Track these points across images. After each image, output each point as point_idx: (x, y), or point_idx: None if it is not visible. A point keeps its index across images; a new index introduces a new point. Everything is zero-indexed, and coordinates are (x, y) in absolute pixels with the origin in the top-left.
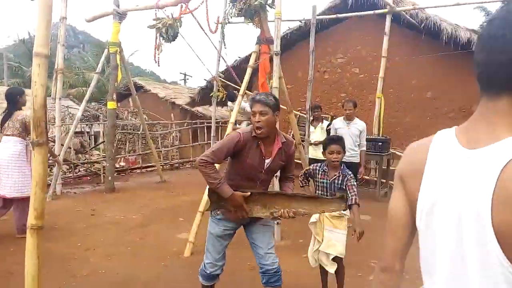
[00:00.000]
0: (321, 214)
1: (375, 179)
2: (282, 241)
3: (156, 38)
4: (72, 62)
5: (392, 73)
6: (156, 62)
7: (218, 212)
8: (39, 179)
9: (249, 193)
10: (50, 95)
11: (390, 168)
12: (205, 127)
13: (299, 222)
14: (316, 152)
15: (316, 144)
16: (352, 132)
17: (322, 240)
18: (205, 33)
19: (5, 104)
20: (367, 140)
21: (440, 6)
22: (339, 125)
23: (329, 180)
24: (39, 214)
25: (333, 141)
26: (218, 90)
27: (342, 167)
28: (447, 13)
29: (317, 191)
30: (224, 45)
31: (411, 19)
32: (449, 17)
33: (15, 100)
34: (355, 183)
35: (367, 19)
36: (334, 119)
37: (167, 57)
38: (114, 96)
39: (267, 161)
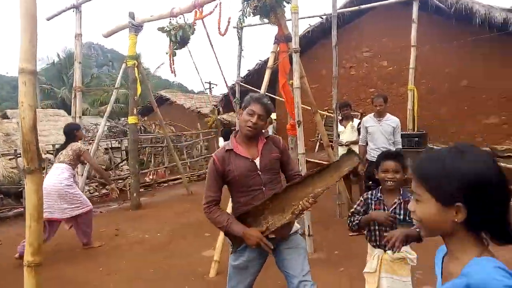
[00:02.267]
0: (379, 261)
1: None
2: (315, 254)
3: (170, 45)
4: (102, 80)
5: (422, 63)
6: (172, 72)
7: (237, 249)
8: (33, 210)
9: (264, 229)
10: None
11: None
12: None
13: (333, 232)
14: None
15: (347, 145)
16: (385, 129)
17: None
18: (210, 40)
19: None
20: (402, 136)
21: None
22: (370, 123)
23: (388, 210)
24: (36, 250)
25: (388, 156)
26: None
27: (402, 192)
28: None
29: (373, 229)
30: (242, 48)
31: (440, 3)
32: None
33: (72, 135)
34: None
35: (391, 8)
36: (364, 116)
37: (192, 67)
38: (135, 110)
39: (256, 160)
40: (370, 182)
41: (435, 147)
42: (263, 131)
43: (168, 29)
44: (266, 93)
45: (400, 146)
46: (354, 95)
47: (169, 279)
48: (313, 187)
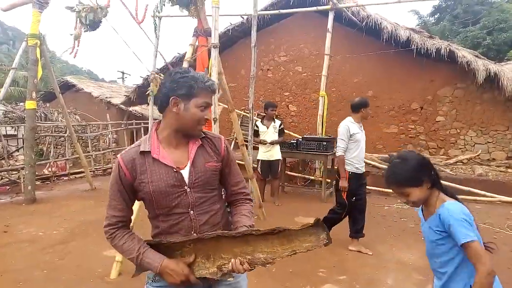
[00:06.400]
0: None
1: (320, 179)
2: None
3: (77, 25)
4: (1, 60)
5: (334, 71)
6: (71, 53)
7: (156, 277)
8: None
9: (192, 259)
10: None
11: (335, 168)
12: (142, 128)
13: None
14: (270, 153)
15: (272, 143)
16: (363, 137)
17: None
18: (139, 26)
19: None
20: (312, 140)
21: (381, 4)
22: (355, 130)
23: None
24: None
25: None
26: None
27: None
28: (385, 15)
29: None
30: (157, 38)
31: (353, 17)
32: (388, 18)
33: None
34: None
35: (309, 17)
36: (279, 118)
37: (104, 55)
38: (34, 94)
39: (184, 171)
40: (354, 198)
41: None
42: None
43: (78, 9)
44: None
45: None
46: (270, 97)
47: (64, 281)
48: (254, 247)
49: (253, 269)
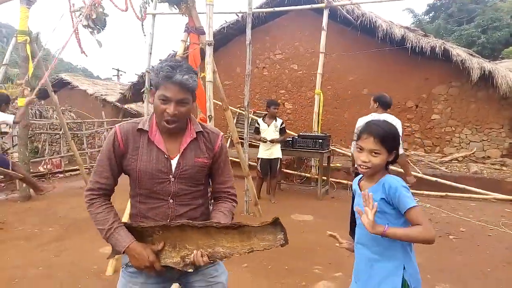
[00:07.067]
0: None
1: (316, 177)
2: None
3: (74, 26)
4: None
5: (330, 69)
6: (82, 53)
7: (129, 263)
8: None
9: (160, 247)
10: None
11: (331, 165)
12: None
13: None
14: (270, 151)
15: (271, 141)
16: None
17: None
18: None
19: None
20: (308, 137)
21: (376, 2)
22: None
23: None
24: None
25: None
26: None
27: None
28: (379, 13)
29: None
30: (144, 34)
31: (347, 15)
32: (382, 16)
33: None
34: None
35: (304, 15)
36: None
37: (99, 53)
38: (26, 91)
39: (174, 160)
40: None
41: (337, 149)
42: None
43: (85, 23)
44: None
45: None
46: (265, 95)
47: (59, 278)
48: (216, 241)
49: (212, 263)
